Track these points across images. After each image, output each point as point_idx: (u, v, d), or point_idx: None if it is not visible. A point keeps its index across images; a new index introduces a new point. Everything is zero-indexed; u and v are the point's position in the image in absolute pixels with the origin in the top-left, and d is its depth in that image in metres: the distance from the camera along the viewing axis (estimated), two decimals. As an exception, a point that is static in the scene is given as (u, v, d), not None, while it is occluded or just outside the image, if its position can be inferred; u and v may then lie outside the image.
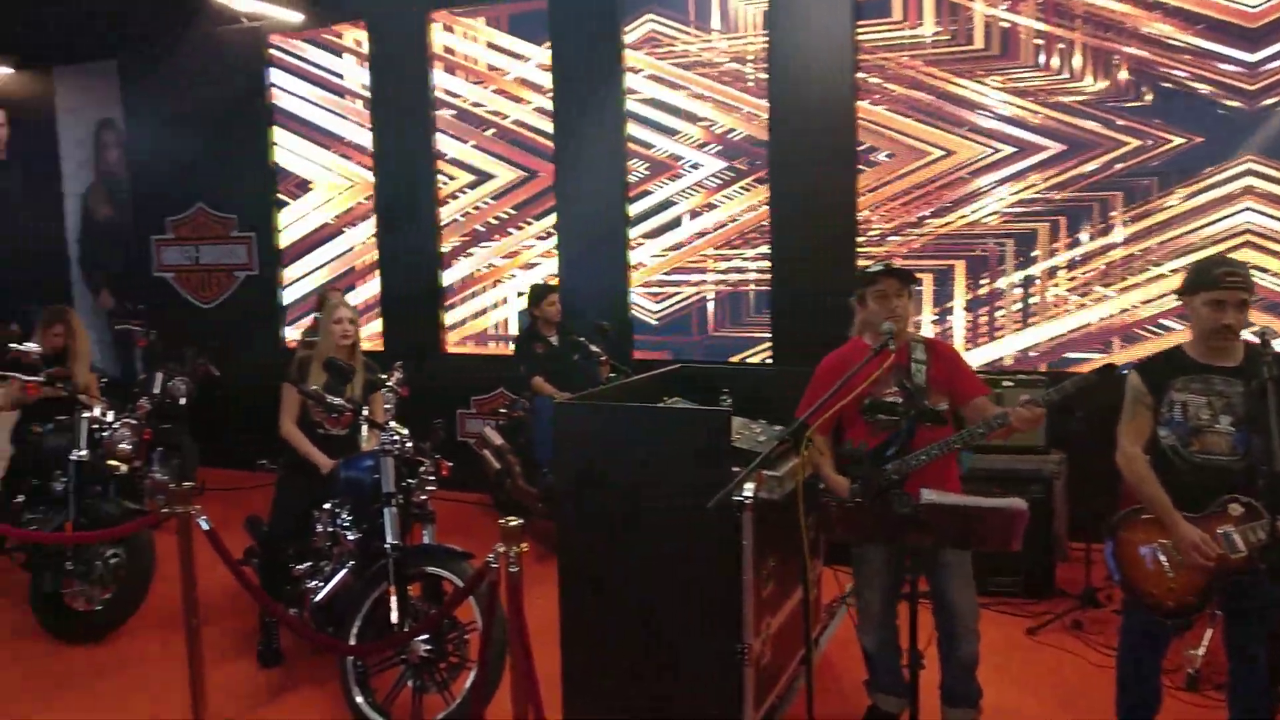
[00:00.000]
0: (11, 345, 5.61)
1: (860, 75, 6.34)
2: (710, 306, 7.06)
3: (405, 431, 4.18)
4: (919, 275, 6.11)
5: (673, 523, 3.36)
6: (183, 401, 7.13)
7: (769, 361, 6.80)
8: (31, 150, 9.76)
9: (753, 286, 6.87)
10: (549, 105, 7.39)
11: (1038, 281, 6.11)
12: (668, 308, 7.21)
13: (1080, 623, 4.79)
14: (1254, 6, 5.48)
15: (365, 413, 4.41)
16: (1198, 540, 3.02)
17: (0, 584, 5.77)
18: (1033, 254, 6.10)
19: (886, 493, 2.90)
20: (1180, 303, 3.27)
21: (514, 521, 3.08)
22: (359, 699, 3.92)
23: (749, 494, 3.20)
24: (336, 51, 8.21)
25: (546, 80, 7.38)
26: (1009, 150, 6.08)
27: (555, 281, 7.32)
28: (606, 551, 3.52)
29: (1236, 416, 3.07)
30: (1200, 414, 3.11)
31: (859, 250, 6.44)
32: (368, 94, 8.08)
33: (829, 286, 6.39)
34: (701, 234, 7.00)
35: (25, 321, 9.25)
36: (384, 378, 4.55)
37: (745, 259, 6.89)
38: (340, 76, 8.21)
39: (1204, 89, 5.64)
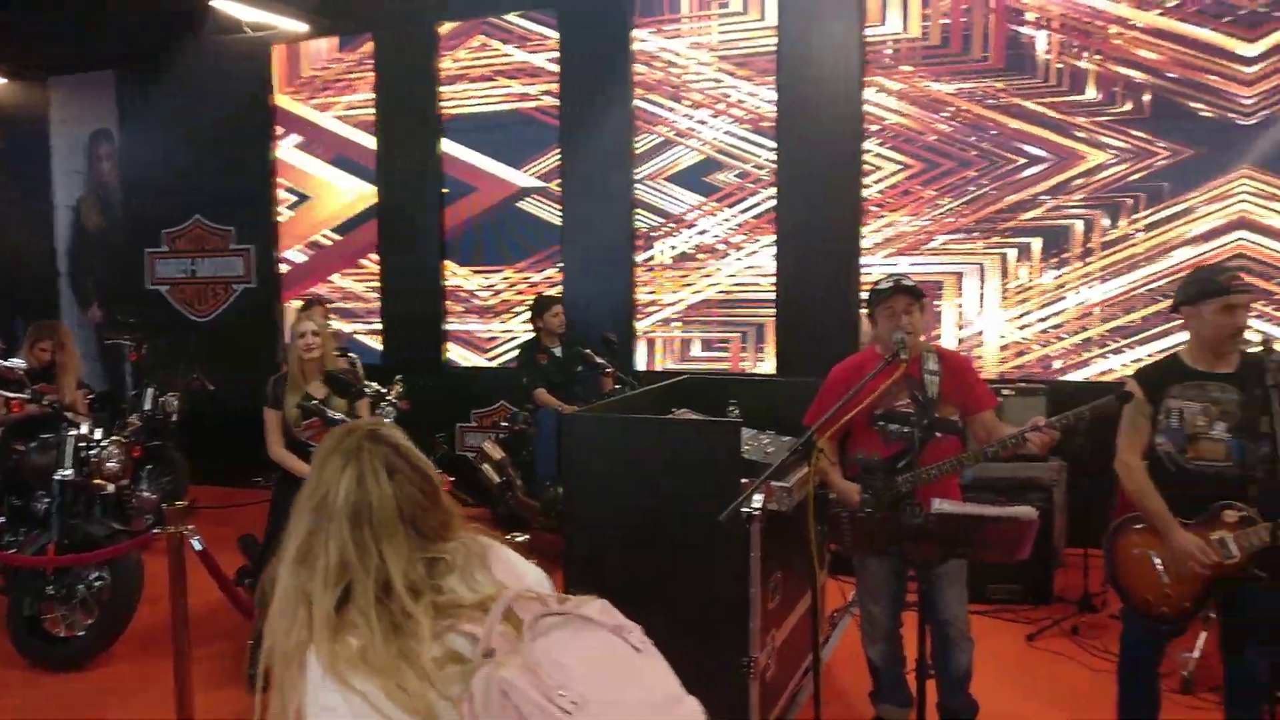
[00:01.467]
0: (-3, 362, 5.47)
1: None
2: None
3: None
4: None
5: (681, 535, 3.33)
6: (174, 417, 7.04)
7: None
8: (23, 161, 9.64)
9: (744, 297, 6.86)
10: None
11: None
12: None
13: (1078, 628, 4.83)
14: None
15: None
16: (1194, 548, 3.02)
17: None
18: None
19: (898, 504, 2.88)
20: (1179, 314, 3.24)
21: (520, 537, 3.05)
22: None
23: (758, 506, 3.17)
24: (342, 59, 8.18)
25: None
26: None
27: (559, 293, 7.29)
28: (613, 564, 3.48)
29: (1232, 423, 3.08)
30: (1196, 421, 3.12)
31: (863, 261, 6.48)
32: (374, 104, 8.05)
33: (834, 299, 6.46)
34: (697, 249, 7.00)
35: (9, 336, 9.16)
36: (384, 391, 4.49)
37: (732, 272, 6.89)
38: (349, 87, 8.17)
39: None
